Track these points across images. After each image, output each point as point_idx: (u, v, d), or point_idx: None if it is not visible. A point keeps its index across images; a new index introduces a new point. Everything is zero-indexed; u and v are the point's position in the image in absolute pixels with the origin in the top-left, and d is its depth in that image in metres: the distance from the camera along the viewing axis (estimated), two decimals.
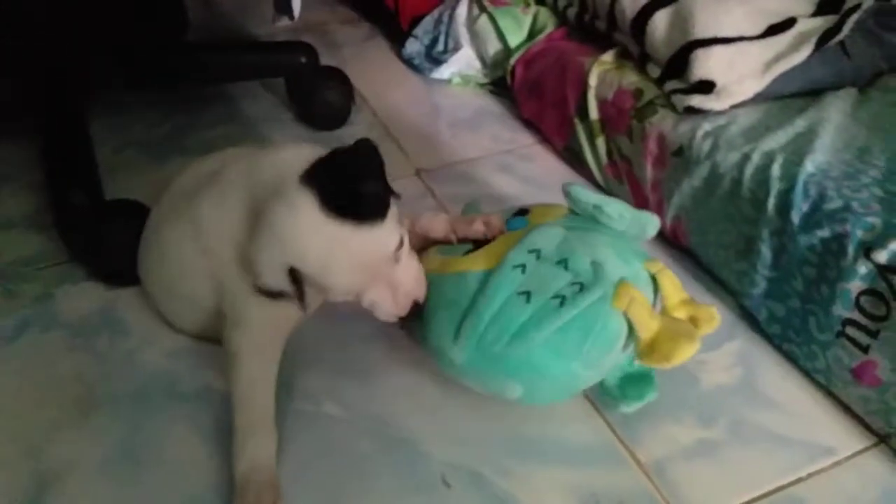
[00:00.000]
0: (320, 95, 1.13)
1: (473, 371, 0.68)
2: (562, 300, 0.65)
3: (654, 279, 0.69)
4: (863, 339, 0.69)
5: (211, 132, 1.13)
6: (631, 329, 0.65)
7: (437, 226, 0.76)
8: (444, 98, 1.26)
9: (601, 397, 0.74)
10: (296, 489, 0.65)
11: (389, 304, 0.67)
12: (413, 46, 1.32)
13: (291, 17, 1.03)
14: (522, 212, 0.76)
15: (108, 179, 0.92)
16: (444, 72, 1.28)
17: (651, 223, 0.73)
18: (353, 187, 0.61)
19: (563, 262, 0.67)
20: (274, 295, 0.64)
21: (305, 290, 0.64)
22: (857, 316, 0.69)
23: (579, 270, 0.66)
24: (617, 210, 0.71)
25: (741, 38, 0.88)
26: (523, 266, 0.67)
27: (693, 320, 0.69)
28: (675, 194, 0.88)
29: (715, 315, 0.69)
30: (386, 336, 0.80)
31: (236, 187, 0.70)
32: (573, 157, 1.08)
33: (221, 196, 0.71)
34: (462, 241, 0.75)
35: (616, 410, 0.72)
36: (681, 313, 0.69)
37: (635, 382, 0.72)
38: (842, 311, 0.70)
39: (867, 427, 0.72)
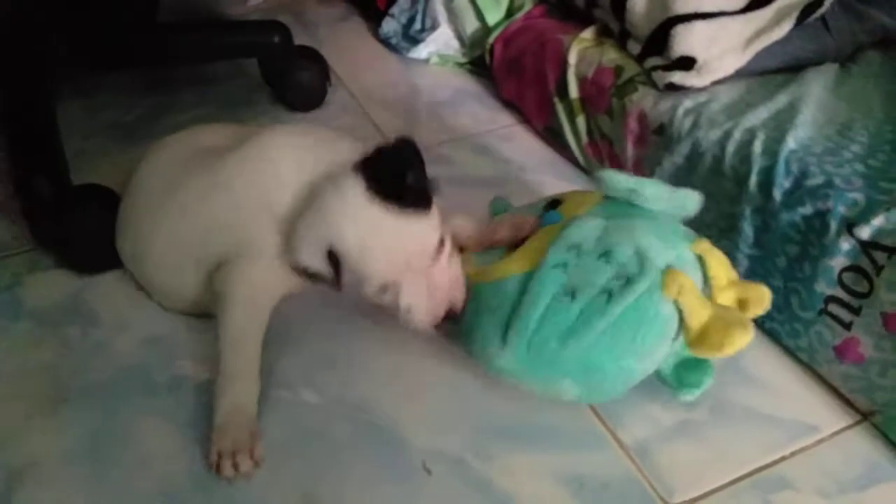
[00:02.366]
0: (295, 76, 1.10)
1: (525, 375, 0.66)
2: (609, 295, 0.63)
3: (700, 260, 0.67)
4: (846, 316, 0.68)
5: (183, 115, 1.10)
6: (682, 317, 0.64)
7: (463, 233, 0.76)
8: (422, 78, 1.24)
9: None
10: (273, 478, 0.64)
11: (424, 306, 0.66)
12: (390, 25, 1.30)
13: None
14: (554, 203, 0.75)
15: (77, 165, 0.89)
16: (421, 51, 1.26)
17: (691, 199, 0.71)
18: (397, 176, 0.63)
19: (606, 255, 0.65)
20: (309, 275, 0.66)
21: (343, 274, 0.64)
22: (839, 293, 0.69)
23: (623, 262, 0.65)
24: (654, 192, 0.69)
25: (722, 14, 0.87)
26: (564, 264, 0.66)
27: (743, 302, 0.68)
28: (656, 173, 0.87)
29: (766, 294, 0.68)
30: (364, 321, 0.78)
31: (296, 161, 0.71)
32: (553, 138, 1.07)
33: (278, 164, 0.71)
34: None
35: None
36: (730, 294, 0.68)
37: (692, 369, 0.70)
38: (825, 288, 0.69)
39: (850, 405, 0.71)
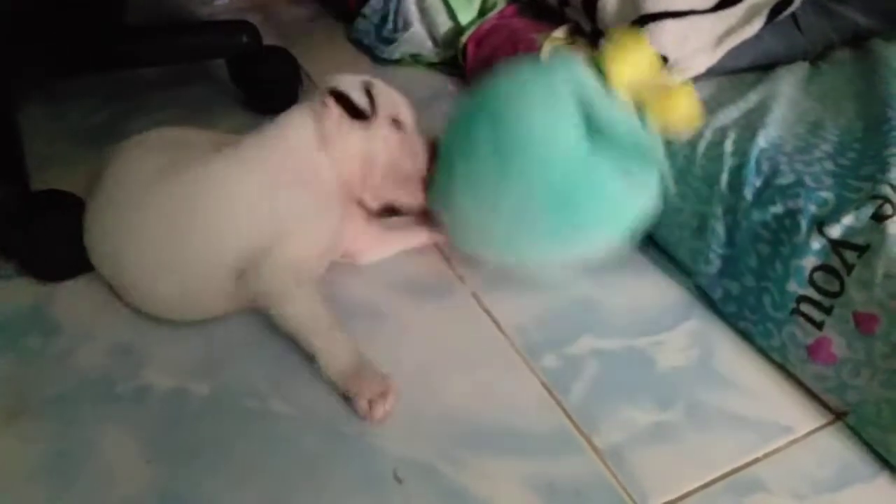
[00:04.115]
0: (264, 77, 1.08)
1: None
2: None
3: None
4: (817, 315, 0.68)
5: (150, 118, 1.08)
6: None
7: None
8: (395, 79, 1.20)
9: (558, 384, 0.72)
10: (242, 492, 0.62)
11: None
12: (362, 26, 1.28)
13: None
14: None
15: (40, 171, 0.87)
16: (394, 51, 1.25)
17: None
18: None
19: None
20: (348, 106, 0.76)
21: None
22: (811, 292, 0.68)
23: None
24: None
25: (692, 12, 0.87)
26: None
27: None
28: None
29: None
30: None
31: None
32: None
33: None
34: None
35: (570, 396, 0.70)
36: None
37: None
38: (796, 287, 0.69)
39: (824, 405, 0.71)
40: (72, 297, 0.80)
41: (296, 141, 0.76)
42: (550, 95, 0.71)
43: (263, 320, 0.75)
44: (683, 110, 0.72)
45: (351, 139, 0.77)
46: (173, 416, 0.68)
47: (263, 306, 0.72)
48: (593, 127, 0.70)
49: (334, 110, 0.76)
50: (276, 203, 0.73)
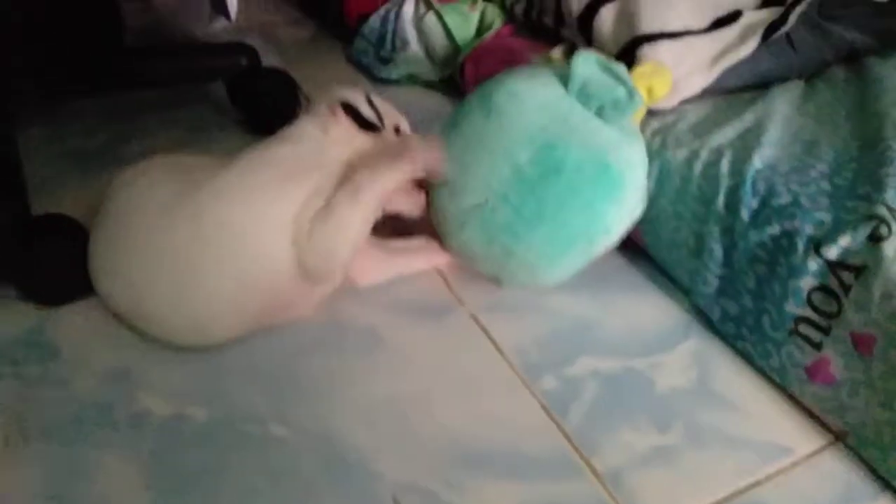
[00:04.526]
0: (263, 98, 1.09)
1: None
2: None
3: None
4: (816, 336, 0.68)
5: (149, 140, 1.08)
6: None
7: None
8: (393, 98, 1.21)
9: (557, 406, 0.72)
10: None
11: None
12: (361, 45, 1.29)
13: (228, 17, 1.00)
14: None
15: (39, 194, 0.87)
16: (392, 71, 1.25)
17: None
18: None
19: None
20: (358, 118, 0.79)
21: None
22: (809, 313, 0.68)
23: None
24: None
25: (688, 33, 0.87)
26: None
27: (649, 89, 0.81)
28: None
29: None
30: (331, 349, 0.77)
31: None
32: None
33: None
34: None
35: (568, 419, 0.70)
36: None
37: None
38: (794, 308, 0.69)
39: (823, 425, 0.71)
40: (70, 321, 0.80)
41: (304, 145, 0.77)
42: (537, 72, 0.80)
43: (261, 343, 0.76)
44: (665, 85, 0.81)
45: (359, 147, 0.79)
46: (172, 441, 0.68)
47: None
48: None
49: (344, 121, 0.78)
50: (292, 206, 0.72)
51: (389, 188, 0.75)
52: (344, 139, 0.78)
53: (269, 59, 1.11)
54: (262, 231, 0.72)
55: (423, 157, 0.76)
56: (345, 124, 0.78)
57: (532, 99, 0.76)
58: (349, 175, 0.74)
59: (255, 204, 0.72)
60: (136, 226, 0.74)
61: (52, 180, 0.98)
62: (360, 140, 0.79)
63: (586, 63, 0.75)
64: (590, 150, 0.74)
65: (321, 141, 0.78)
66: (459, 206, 0.78)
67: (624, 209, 0.77)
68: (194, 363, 0.75)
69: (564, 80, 0.77)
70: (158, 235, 0.73)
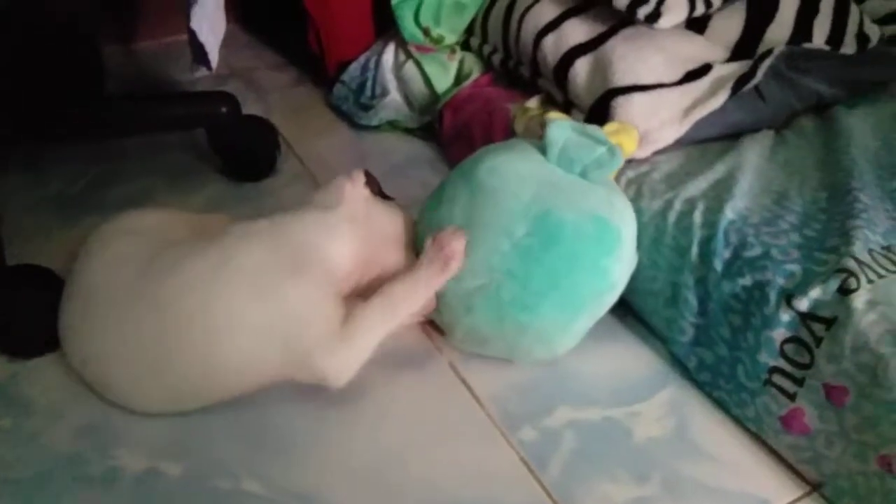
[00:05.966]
0: (243, 146, 1.09)
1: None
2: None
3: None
4: (789, 386, 0.69)
5: (130, 186, 1.08)
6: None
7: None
8: (373, 144, 1.24)
9: (536, 458, 0.72)
10: None
11: None
12: (341, 92, 1.30)
13: (209, 67, 1.00)
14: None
15: (16, 242, 0.87)
16: (372, 118, 1.27)
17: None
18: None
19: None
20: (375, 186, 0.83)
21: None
22: (782, 363, 0.69)
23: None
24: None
25: (660, 85, 0.89)
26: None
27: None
28: None
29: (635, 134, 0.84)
30: (309, 400, 0.76)
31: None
32: None
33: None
34: None
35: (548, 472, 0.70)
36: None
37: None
38: (767, 358, 0.70)
39: (800, 476, 0.71)
40: (43, 374, 0.79)
41: (298, 236, 0.74)
42: (511, 145, 0.81)
43: (237, 397, 0.75)
44: (632, 142, 0.83)
45: (378, 217, 0.80)
46: (146, 497, 0.67)
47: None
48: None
49: (361, 186, 0.79)
50: (276, 303, 0.69)
51: (423, 301, 0.74)
52: (359, 211, 0.78)
53: (249, 106, 1.12)
54: (238, 332, 0.69)
55: (457, 256, 0.73)
56: (363, 191, 0.79)
57: (513, 171, 0.76)
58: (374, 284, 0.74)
59: (231, 300, 0.69)
60: (104, 298, 0.73)
61: (30, 228, 0.98)
62: (377, 210, 0.80)
63: (561, 129, 0.76)
64: (584, 211, 0.74)
65: (328, 223, 0.75)
66: (463, 290, 0.76)
67: (625, 262, 0.77)
68: (169, 417, 0.74)
69: (540, 148, 0.77)
70: (127, 319, 0.70)
